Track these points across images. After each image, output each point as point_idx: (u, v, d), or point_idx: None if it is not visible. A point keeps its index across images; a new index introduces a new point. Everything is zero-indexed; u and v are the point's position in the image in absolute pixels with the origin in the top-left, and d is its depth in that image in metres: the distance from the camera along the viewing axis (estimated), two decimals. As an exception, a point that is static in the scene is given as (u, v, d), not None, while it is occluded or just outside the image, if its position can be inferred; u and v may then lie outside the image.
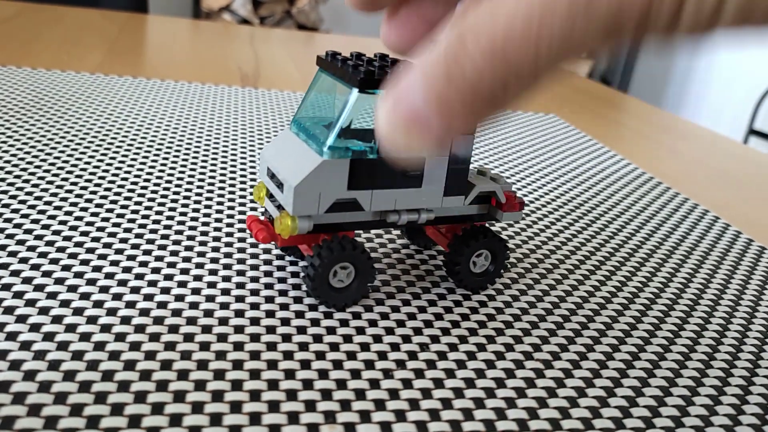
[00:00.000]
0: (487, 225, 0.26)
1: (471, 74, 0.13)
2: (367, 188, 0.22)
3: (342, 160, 0.21)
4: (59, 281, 0.22)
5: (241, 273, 0.24)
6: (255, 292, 0.23)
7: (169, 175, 0.32)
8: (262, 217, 0.24)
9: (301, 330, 0.21)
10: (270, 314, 0.22)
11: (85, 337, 0.19)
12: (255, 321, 0.21)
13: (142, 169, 0.33)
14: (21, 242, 0.24)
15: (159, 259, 0.24)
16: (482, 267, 0.25)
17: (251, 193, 0.32)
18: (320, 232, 0.22)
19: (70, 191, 0.29)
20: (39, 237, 0.25)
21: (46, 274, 0.22)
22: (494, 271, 0.25)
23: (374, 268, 0.23)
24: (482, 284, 0.25)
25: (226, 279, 0.24)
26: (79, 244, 0.25)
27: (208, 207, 0.29)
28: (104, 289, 0.22)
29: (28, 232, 0.25)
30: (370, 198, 0.22)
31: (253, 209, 0.30)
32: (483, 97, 0.14)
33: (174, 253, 0.25)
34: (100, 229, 0.26)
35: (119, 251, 0.24)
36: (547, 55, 0.13)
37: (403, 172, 0.22)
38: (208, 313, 0.21)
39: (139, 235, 0.26)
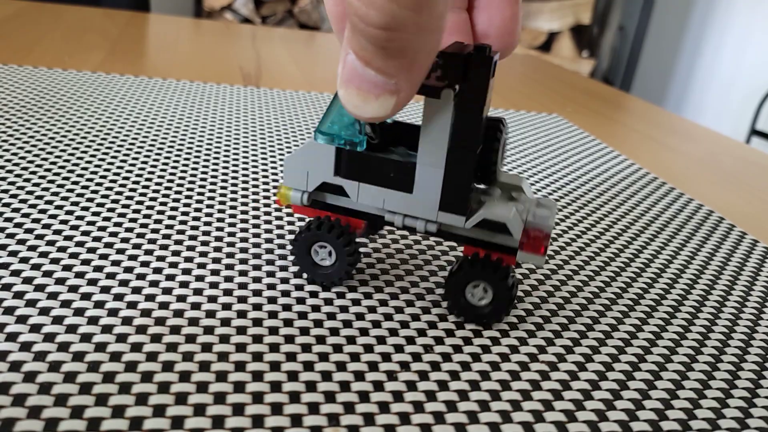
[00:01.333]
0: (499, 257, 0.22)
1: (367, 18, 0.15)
2: (354, 179, 0.22)
3: (328, 145, 0.22)
4: (60, 281, 0.22)
5: (243, 273, 0.24)
6: (257, 293, 0.23)
7: (171, 174, 0.32)
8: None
9: (304, 331, 0.21)
10: (273, 315, 0.22)
11: (86, 338, 0.19)
12: (257, 322, 0.21)
13: (143, 168, 0.32)
14: (22, 242, 0.24)
15: (161, 259, 0.24)
16: (481, 300, 0.22)
17: (254, 193, 0.31)
18: (324, 210, 0.23)
19: (71, 190, 0.29)
20: (40, 236, 0.25)
21: (47, 274, 0.22)
22: (491, 312, 0.22)
23: (356, 254, 0.23)
24: (476, 320, 0.22)
25: (228, 279, 0.23)
26: (80, 244, 0.24)
27: (210, 206, 0.29)
28: (105, 290, 0.22)
29: (29, 231, 0.25)
30: (357, 189, 0.22)
31: (255, 209, 0.30)
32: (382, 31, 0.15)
33: (176, 253, 0.25)
34: (102, 228, 0.26)
35: (121, 251, 0.24)
36: None
37: (392, 174, 0.22)
38: (210, 314, 0.21)
39: (140, 235, 0.26)
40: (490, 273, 0.22)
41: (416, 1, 0.15)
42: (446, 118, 0.20)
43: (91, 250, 0.24)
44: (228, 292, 0.23)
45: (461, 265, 0.22)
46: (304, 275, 0.24)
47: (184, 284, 0.23)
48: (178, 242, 0.26)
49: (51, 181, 0.29)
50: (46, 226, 0.25)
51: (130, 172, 0.32)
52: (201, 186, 0.31)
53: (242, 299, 0.22)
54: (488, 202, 0.22)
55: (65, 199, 0.28)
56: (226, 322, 0.21)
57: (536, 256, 0.21)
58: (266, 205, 0.30)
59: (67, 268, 0.23)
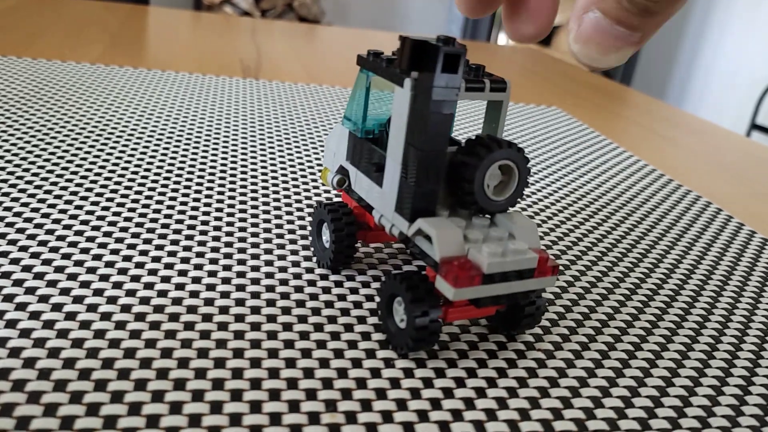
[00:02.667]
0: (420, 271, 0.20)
1: None
2: (355, 165, 0.22)
3: (347, 130, 0.22)
4: (59, 269, 0.22)
5: (241, 262, 0.24)
6: (256, 281, 0.23)
7: (170, 165, 0.32)
8: None
9: (302, 319, 0.21)
10: (271, 303, 0.22)
11: (85, 324, 0.19)
12: (255, 310, 0.21)
13: (143, 159, 0.32)
14: (21, 230, 0.24)
15: (159, 248, 0.24)
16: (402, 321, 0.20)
17: (253, 183, 0.31)
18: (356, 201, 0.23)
19: (70, 180, 0.29)
20: (39, 226, 0.25)
21: (46, 262, 0.22)
22: (401, 332, 0.19)
23: (349, 237, 0.23)
24: (395, 343, 0.20)
25: (227, 268, 0.23)
26: (79, 233, 0.24)
27: (209, 197, 0.29)
28: (104, 278, 0.22)
29: (28, 220, 0.25)
30: (355, 176, 0.23)
31: (254, 198, 0.30)
32: None
33: (174, 242, 0.25)
34: (101, 218, 0.26)
35: (119, 240, 0.24)
36: None
37: (374, 164, 0.21)
38: (209, 302, 0.21)
39: (139, 224, 0.26)
40: (403, 290, 0.19)
41: None
42: (405, 109, 0.19)
43: (90, 239, 0.24)
44: (226, 281, 0.23)
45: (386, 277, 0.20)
46: (313, 259, 0.25)
47: (182, 272, 0.23)
48: (177, 231, 0.26)
49: (50, 171, 0.29)
50: (46, 215, 0.25)
51: (129, 162, 0.32)
52: (200, 176, 0.31)
53: (240, 287, 0.22)
54: (467, 226, 0.20)
55: (64, 188, 0.28)
56: (224, 309, 0.21)
57: (447, 285, 0.18)
58: (265, 195, 0.30)
59: (66, 256, 0.23)
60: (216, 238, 0.26)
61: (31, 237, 0.24)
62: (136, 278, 0.22)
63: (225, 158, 0.34)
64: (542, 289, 0.20)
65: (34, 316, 0.19)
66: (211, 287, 0.22)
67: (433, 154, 0.19)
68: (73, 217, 0.26)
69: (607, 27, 0.17)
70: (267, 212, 0.29)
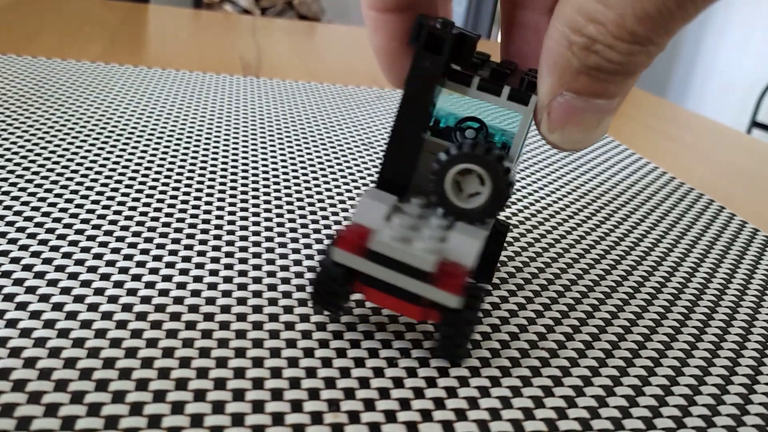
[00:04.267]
0: None
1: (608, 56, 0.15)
2: None
3: None
4: (60, 268, 0.22)
5: (243, 261, 0.24)
6: (257, 280, 0.23)
7: (171, 163, 0.32)
8: None
9: (304, 318, 0.21)
10: (273, 302, 0.22)
11: (85, 324, 0.19)
12: (257, 309, 0.21)
13: (143, 158, 0.32)
14: (21, 229, 0.24)
15: (160, 247, 0.24)
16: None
17: (254, 182, 0.31)
18: None
19: (70, 179, 0.29)
20: (39, 224, 0.24)
21: (47, 261, 0.22)
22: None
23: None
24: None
25: (228, 267, 0.23)
26: (79, 232, 0.24)
27: (210, 195, 0.29)
28: (105, 277, 0.22)
29: (29, 219, 0.25)
30: None
31: (255, 197, 0.30)
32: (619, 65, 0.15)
33: (175, 241, 0.25)
34: (101, 216, 0.26)
35: (120, 239, 0.24)
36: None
37: None
38: (210, 301, 0.21)
39: (140, 223, 0.26)
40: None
41: (665, 27, 0.14)
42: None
43: (91, 238, 0.24)
44: (228, 280, 0.23)
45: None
46: (314, 258, 0.24)
47: (184, 272, 0.23)
48: (178, 230, 0.26)
49: (50, 170, 0.29)
50: (46, 214, 0.25)
51: (130, 161, 0.32)
52: (201, 175, 0.31)
53: (242, 286, 0.22)
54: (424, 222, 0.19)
55: (65, 187, 0.28)
56: (226, 309, 0.21)
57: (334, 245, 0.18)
58: (266, 194, 0.30)
59: (67, 255, 0.23)
60: (217, 237, 0.25)
61: (32, 236, 0.24)
62: (137, 277, 0.22)
63: (226, 156, 0.34)
64: (472, 318, 0.18)
65: (35, 315, 0.19)
66: (212, 286, 0.22)
67: (402, 132, 0.19)
68: (74, 215, 0.26)
69: (582, 105, 0.16)
70: (268, 210, 0.28)
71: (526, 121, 0.19)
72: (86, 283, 0.21)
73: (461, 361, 0.20)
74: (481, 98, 0.19)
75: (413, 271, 0.18)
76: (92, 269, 0.22)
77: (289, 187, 0.31)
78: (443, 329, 0.19)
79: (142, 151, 0.33)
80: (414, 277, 0.18)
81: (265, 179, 0.32)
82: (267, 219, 0.28)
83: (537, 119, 0.17)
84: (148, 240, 0.24)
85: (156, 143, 0.35)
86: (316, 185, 0.32)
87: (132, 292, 0.21)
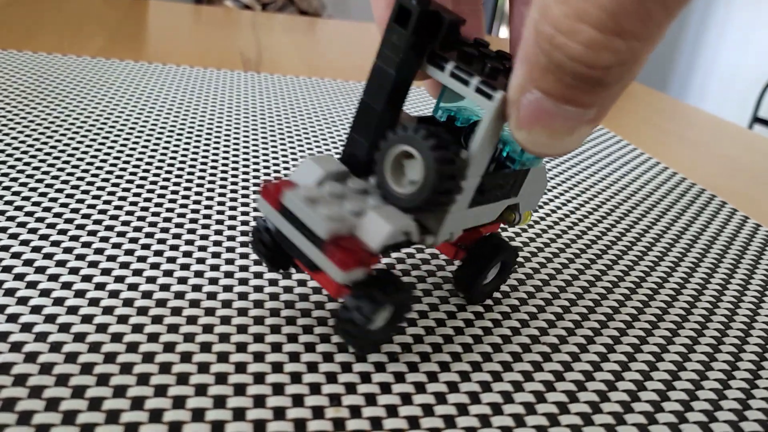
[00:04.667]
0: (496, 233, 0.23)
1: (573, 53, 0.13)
2: None
3: None
4: (60, 263, 0.22)
5: (244, 256, 0.24)
6: (258, 275, 0.23)
7: (171, 158, 0.32)
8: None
9: (306, 313, 0.21)
10: (274, 297, 0.22)
11: (87, 319, 0.19)
12: (258, 304, 0.21)
13: (144, 153, 0.32)
14: (22, 225, 0.24)
15: (161, 241, 0.24)
16: (488, 278, 0.23)
17: (255, 177, 0.31)
18: None
19: (71, 174, 0.29)
20: (40, 219, 0.24)
21: (48, 256, 0.22)
22: (494, 283, 0.23)
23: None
24: (486, 297, 0.23)
25: (230, 262, 0.23)
26: (80, 227, 0.24)
27: (211, 191, 0.29)
28: (106, 272, 0.22)
29: (29, 214, 0.25)
30: None
31: (256, 192, 0.30)
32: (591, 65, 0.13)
33: (176, 236, 0.25)
34: (102, 212, 0.26)
35: (121, 234, 0.24)
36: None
37: None
38: (211, 296, 0.21)
39: (141, 218, 0.26)
40: (507, 251, 0.22)
41: (654, 31, 0.13)
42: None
43: (92, 233, 0.24)
44: (229, 275, 0.22)
45: (480, 252, 0.22)
46: None
47: (185, 266, 0.23)
48: (179, 225, 0.25)
49: (51, 165, 0.29)
50: (47, 210, 0.25)
51: (131, 156, 0.32)
52: (202, 170, 0.31)
53: (243, 281, 0.22)
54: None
55: (65, 182, 0.28)
56: (227, 304, 0.21)
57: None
58: (267, 189, 0.30)
59: (68, 250, 0.23)
60: (218, 232, 0.25)
61: (33, 231, 0.24)
62: (138, 272, 0.22)
63: (227, 151, 0.34)
64: (363, 307, 0.17)
65: (36, 310, 0.19)
66: (213, 281, 0.22)
67: (365, 106, 0.18)
68: (75, 211, 0.26)
69: (552, 109, 0.14)
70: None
71: (488, 116, 0.17)
72: (87, 278, 0.21)
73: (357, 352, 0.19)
74: (454, 88, 0.18)
75: (310, 234, 0.17)
76: (93, 264, 0.22)
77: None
78: (339, 308, 0.18)
79: (143, 147, 0.33)
80: (310, 240, 0.17)
81: (266, 174, 0.32)
82: (268, 214, 0.28)
83: (507, 114, 0.16)
84: (149, 235, 0.24)
85: (157, 138, 0.34)
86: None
87: (133, 286, 0.21)
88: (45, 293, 0.20)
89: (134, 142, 0.33)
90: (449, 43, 0.18)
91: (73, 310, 0.20)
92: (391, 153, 0.18)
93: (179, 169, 0.31)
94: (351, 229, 0.17)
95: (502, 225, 0.23)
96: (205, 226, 0.26)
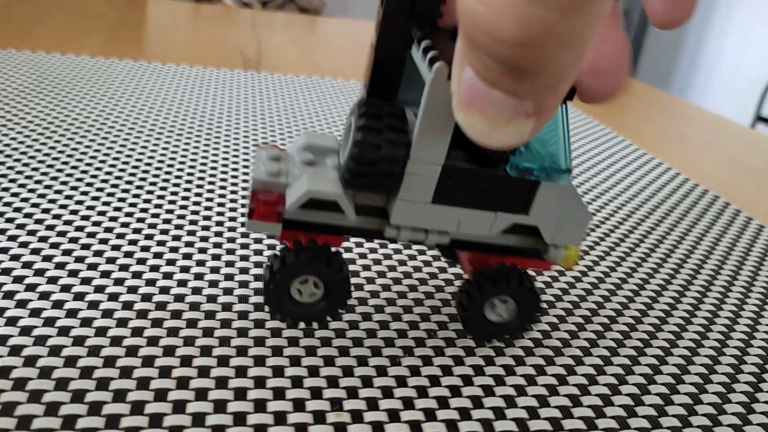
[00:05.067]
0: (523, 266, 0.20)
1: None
2: None
3: None
4: (60, 266, 0.22)
5: (244, 258, 0.24)
6: (259, 278, 0.23)
7: (171, 158, 0.32)
8: None
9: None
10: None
11: (86, 322, 0.19)
12: (259, 307, 0.21)
13: (143, 153, 0.32)
14: (21, 226, 0.24)
15: (161, 243, 0.24)
16: (501, 316, 0.20)
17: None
18: None
19: (70, 175, 0.29)
20: (39, 221, 0.24)
21: (47, 258, 0.22)
22: (516, 327, 0.20)
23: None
24: (497, 336, 0.20)
25: (230, 264, 0.23)
26: (79, 228, 0.24)
27: (211, 191, 0.29)
28: (105, 274, 0.22)
29: (29, 216, 0.25)
30: None
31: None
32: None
33: (176, 238, 0.24)
34: (101, 213, 0.26)
35: (120, 236, 0.24)
36: None
37: None
38: (212, 299, 0.21)
39: (140, 220, 0.25)
40: (520, 287, 0.19)
41: (572, 1, 0.11)
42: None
43: (91, 235, 0.24)
44: (229, 277, 0.22)
45: (483, 278, 0.19)
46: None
47: (185, 269, 0.22)
48: (179, 227, 0.25)
49: (50, 165, 0.29)
50: (46, 211, 0.25)
51: (130, 156, 0.32)
52: (201, 171, 0.31)
53: (243, 284, 0.22)
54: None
55: (64, 183, 0.28)
56: (227, 306, 0.21)
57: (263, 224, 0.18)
58: (267, 190, 0.30)
59: (67, 252, 0.23)
60: (218, 234, 0.25)
61: (32, 233, 0.23)
62: (137, 274, 0.22)
63: (227, 151, 0.34)
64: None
65: (35, 313, 0.19)
66: (213, 283, 0.22)
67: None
68: (74, 212, 0.25)
69: (485, 92, 0.13)
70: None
71: (426, 88, 0.16)
72: (86, 281, 0.21)
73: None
74: (418, 63, 0.17)
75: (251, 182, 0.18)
76: (92, 266, 0.22)
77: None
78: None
79: (143, 146, 0.33)
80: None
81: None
82: (268, 215, 0.27)
83: (452, 90, 0.14)
84: (149, 237, 0.24)
85: (156, 138, 0.34)
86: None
87: (132, 289, 0.21)
88: (44, 296, 0.20)
89: (134, 142, 0.33)
90: (434, 26, 0.17)
91: (72, 313, 0.19)
92: (347, 126, 0.18)
93: (179, 169, 0.31)
94: (284, 188, 0.18)
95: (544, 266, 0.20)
96: (205, 228, 0.26)
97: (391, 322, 0.21)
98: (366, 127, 0.16)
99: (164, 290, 0.21)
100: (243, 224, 0.17)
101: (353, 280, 0.23)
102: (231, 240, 0.25)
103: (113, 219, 0.25)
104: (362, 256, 0.25)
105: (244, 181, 0.31)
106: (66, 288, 0.21)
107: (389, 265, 0.25)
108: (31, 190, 0.27)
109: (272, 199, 0.18)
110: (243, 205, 0.28)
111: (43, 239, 0.23)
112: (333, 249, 0.19)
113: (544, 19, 0.11)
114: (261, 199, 0.18)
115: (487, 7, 0.11)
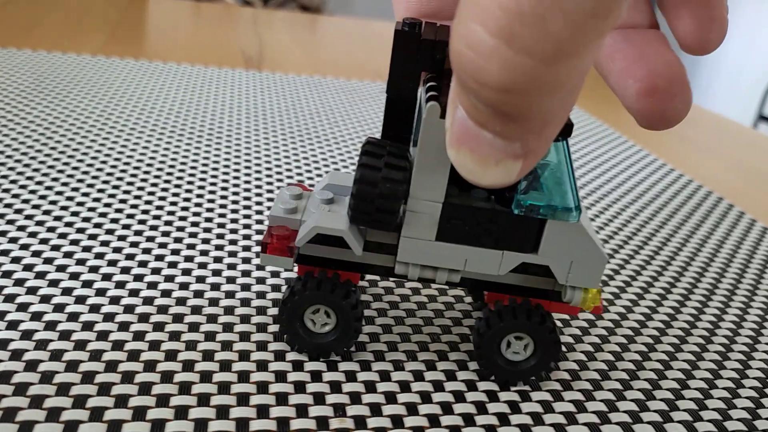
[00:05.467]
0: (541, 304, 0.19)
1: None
2: None
3: None
4: (61, 268, 0.22)
5: (246, 261, 0.24)
6: (261, 281, 0.22)
7: (173, 159, 0.32)
8: None
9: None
10: (277, 303, 0.21)
11: (87, 326, 0.19)
12: (261, 310, 0.21)
13: (144, 153, 0.32)
14: (22, 228, 0.24)
15: (162, 246, 0.24)
16: (517, 355, 0.19)
17: (257, 178, 0.31)
18: None
19: (71, 176, 0.28)
20: (40, 223, 0.24)
21: (48, 261, 0.22)
22: (533, 367, 0.19)
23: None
24: (512, 378, 0.19)
25: (231, 267, 0.23)
26: (81, 230, 0.24)
27: (212, 192, 0.29)
28: (107, 277, 0.21)
29: (29, 217, 0.24)
30: None
31: (258, 194, 0.29)
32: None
33: (177, 240, 0.24)
34: (102, 214, 0.25)
35: (122, 237, 0.24)
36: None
37: None
38: (213, 302, 0.21)
39: (142, 221, 0.25)
40: (535, 325, 0.18)
41: (556, 51, 0.11)
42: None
43: (93, 237, 0.24)
44: (231, 280, 0.22)
45: (496, 315, 0.18)
46: None
47: (186, 272, 0.22)
48: (180, 229, 0.25)
49: (51, 166, 0.29)
50: (47, 212, 0.25)
51: (131, 157, 0.31)
52: (203, 171, 0.31)
53: (245, 287, 0.22)
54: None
55: (65, 184, 0.28)
56: (229, 310, 0.21)
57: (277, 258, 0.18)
58: (269, 191, 0.30)
59: (68, 254, 0.22)
60: (220, 236, 0.25)
61: (33, 234, 0.23)
62: (139, 277, 0.22)
63: (228, 151, 0.34)
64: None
65: (36, 317, 0.19)
66: (215, 287, 0.22)
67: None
68: (75, 214, 0.25)
69: (475, 132, 0.13)
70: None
71: (422, 126, 0.16)
72: (88, 284, 0.21)
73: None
74: (422, 102, 0.17)
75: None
76: (94, 269, 0.22)
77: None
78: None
79: (144, 146, 0.33)
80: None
81: (268, 175, 0.32)
82: (271, 217, 0.27)
83: (446, 126, 0.14)
84: (150, 239, 0.24)
85: (158, 139, 0.34)
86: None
87: (134, 292, 0.21)
88: (45, 299, 0.20)
89: (135, 142, 0.33)
90: (441, 68, 0.17)
91: (73, 317, 0.19)
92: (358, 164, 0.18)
93: (180, 170, 0.31)
94: (298, 224, 0.19)
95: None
96: (207, 230, 0.25)
97: (393, 326, 0.21)
98: (366, 165, 0.17)
99: (166, 293, 0.21)
100: (257, 255, 0.18)
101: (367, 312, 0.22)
102: (233, 242, 0.25)
103: (114, 221, 0.25)
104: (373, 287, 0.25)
105: (246, 182, 0.30)
106: (67, 291, 0.20)
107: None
108: (32, 191, 0.26)
109: (285, 234, 0.18)
110: (245, 209, 0.28)
111: (44, 241, 0.23)
112: (346, 281, 0.19)
113: (527, 68, 0.11)
114: (274, 234, 0.18)
115: (474, 52, 0.11)
